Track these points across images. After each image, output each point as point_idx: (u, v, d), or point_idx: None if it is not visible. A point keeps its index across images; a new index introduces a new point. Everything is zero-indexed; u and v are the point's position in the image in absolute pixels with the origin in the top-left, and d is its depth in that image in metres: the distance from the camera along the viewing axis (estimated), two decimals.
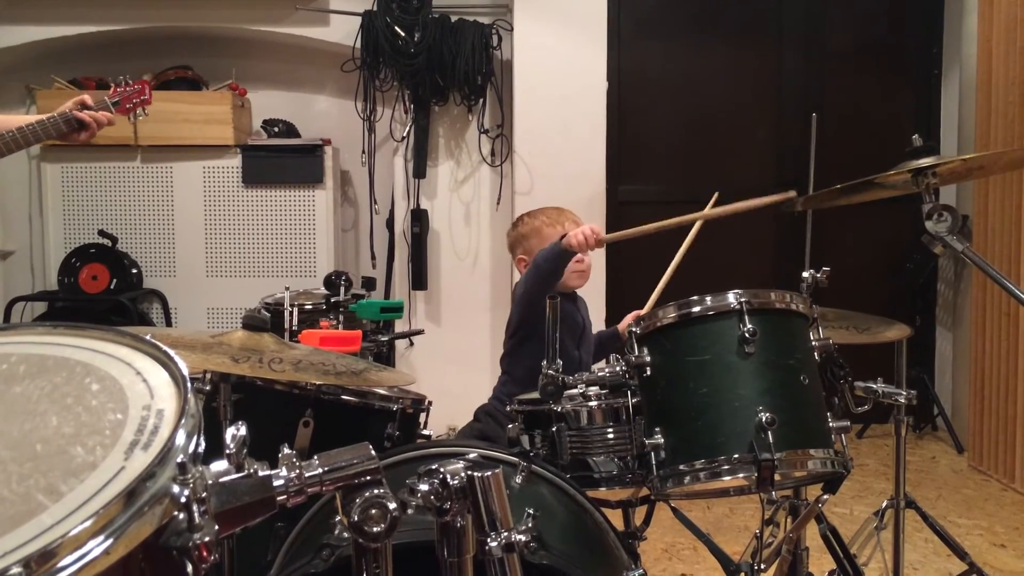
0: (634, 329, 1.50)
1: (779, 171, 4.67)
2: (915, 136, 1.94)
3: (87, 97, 2.58)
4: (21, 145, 2.47)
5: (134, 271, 4.33)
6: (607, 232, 2.07)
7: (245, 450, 0.73)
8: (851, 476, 1.51)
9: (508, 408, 1.60)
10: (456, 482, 0.89)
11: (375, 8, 4.12)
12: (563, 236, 2.05)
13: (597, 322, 2.47)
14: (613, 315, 3.94)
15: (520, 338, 2.25)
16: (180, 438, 0.64)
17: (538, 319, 2.14)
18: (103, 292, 4.24)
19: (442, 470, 0.89)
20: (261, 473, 0.73)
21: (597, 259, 4.09)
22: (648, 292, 2.37)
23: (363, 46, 4.16)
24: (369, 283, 3.08)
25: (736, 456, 1.36)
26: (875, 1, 4.71)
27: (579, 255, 2.25)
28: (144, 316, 4.34)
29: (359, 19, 4.15)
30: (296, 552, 1.33)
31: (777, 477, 1.37)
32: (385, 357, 2.81)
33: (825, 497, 1.57)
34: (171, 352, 0.76)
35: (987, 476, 3.90)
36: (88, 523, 0.55)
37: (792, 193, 2.09)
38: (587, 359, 2.28)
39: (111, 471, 0.61)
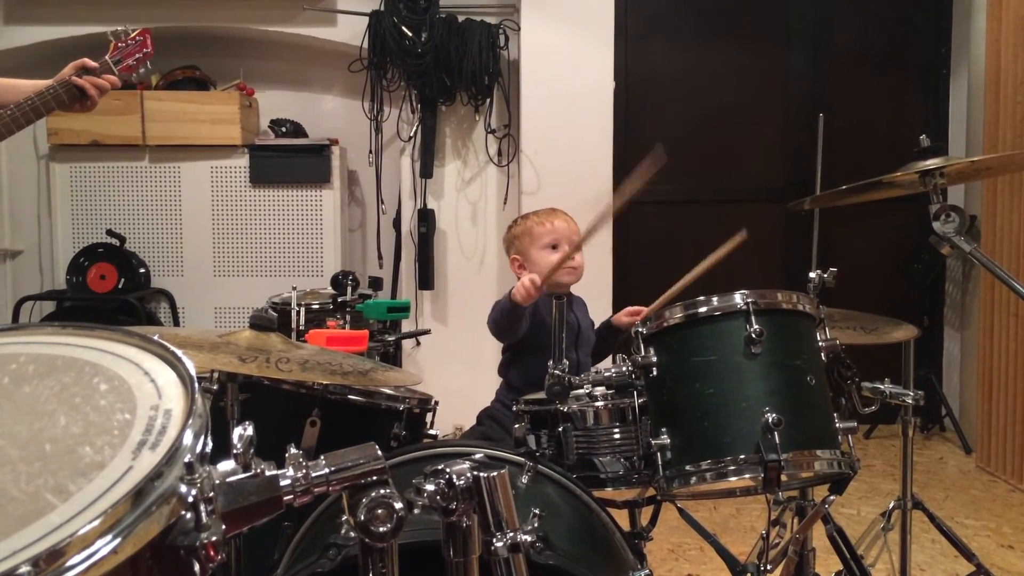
0: (640, 329, 1.50)
1: (786, 171, 4.66)
2: (923, 136, 1.93)
3: (88, 60, 2.41)
4: (22, 124, 2.31)
5: (142, 270, 4.34)
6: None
7: (252, 450, 0.73)
8: (858, 477, 1.51)
9: (514, 408, 1.60)
10: (462, 482, 0.89)
11: (382, 8, 4.12)
12: (510, 291, 2.09)
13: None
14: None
15: (513, 355, 2.31)
16: (187, 438, 0.64)
17: (525, 342, 2.18)
18: (111, 291, 4.26)
19: (448, 470, 0.89)
20: (268, 473, 0.73)
21: (604, 261, 4.11)
22: (654, 292, 2.36)
23: (370, 46, 4.17)
24: (376, 283, 3.08)
25: (742, 457, 1.36)
26: (883, 1, 4.70)
27: (573, 255, 2.27)
28: (152, 315, 4.35)
29: (366, 19, 4.15)
30: (303, 551, 1.33)
31: (783, 478, 1.37)
32: (392, 357, 2.81)
33: (832, 498, 1.57)
34: (179, 352, 0.77)
35: (995, 477, 3.89)
36: (96, 522, 0.55)
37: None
38: (584, 360, 2.29)
39: (119, 471, 0.61)
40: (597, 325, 2.40)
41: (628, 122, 4.48)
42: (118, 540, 0.56)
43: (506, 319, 2.13)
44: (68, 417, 0.69)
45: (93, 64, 2.41)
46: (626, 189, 1.92)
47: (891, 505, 2.39)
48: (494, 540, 0.91)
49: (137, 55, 2.57)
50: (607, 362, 2.24)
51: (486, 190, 4.42)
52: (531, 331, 2.17)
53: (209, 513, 0.64)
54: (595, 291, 2.24)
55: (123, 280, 4.28)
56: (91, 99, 2.39)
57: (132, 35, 2.56)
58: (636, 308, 2.29)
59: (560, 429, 1.49)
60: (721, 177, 4.67)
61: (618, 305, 4.06)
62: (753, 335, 1.40)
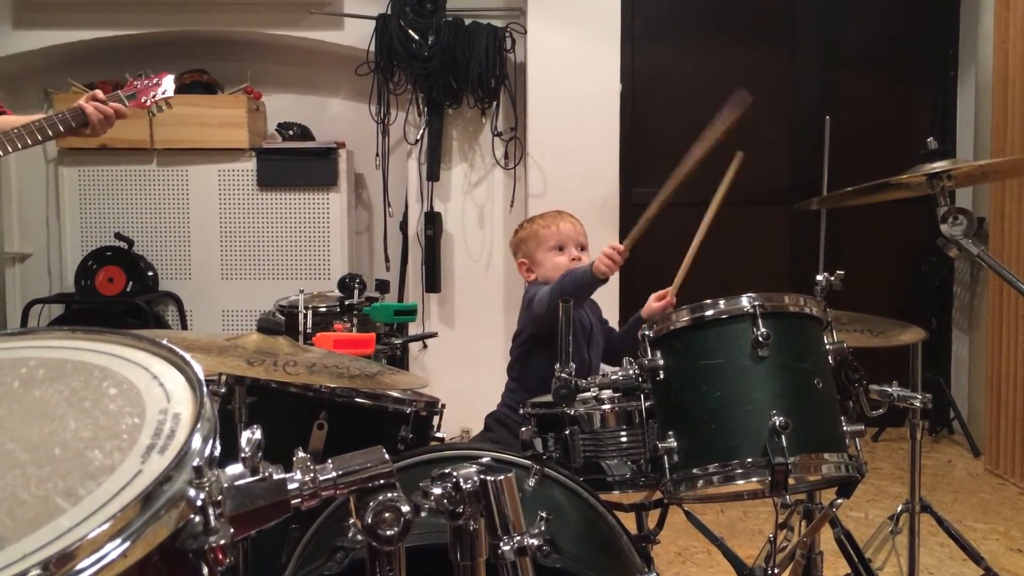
0: (647, 333, 1.50)
1: (793, 173, 4.65)
2: (930, 139, 1.93)
3: (99, 92, 2.53)
4: (27, 142, 2.40)
5: (150, 274, 4.36)
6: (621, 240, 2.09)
7: (260, 453, 0.73)
8: (866, 480, 1.50)
9: (521, 411, 1.60)
10: (469, 485, 0.89)
11: (389, 11, 4.13)
12: (592, 264, 2.06)
13: (611, 322, 2.47)
14: (626, 316, 3.92)
15: (529, 347, 2.27)
16: (196, 442, 0.65)
17: (550, 332, 2.16)
18: (119, 295, 4.27)
19: (455, 473, 0.90)
20: (276, 476, 0.74)
21: None
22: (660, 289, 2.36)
23: (377, 49, 4.18)
24: (383, 286, 3.09)
25: (749, 460, 1.36)
26: (890, 2, 4.69)
27: (577, 254, 2.28)
28: (160, 318, 4.36)
29: (373, 23, 4.16)
30: (310, 554, 1.34)
31: (791, 481, 1.37)
32: (399, 360, 2.82)
33: (839, 501, 1.57)
34: (187, 356, 0.77)
35: (1004, 480, 3.87)
36: (106, 526, 0.55)
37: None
38: (596, 361, 2.29)
39: (128, 474, 0.62)
40: (620, 325, 2.40)
41: (635, 125, 4.48)
42: (127, 544, 0.56)
43: (581, 291, 2.09)
44: (78, 421, 0.69)
45: (103, 97, 2.51)
46: (708, 136, 1.93)
47: (899, 508, 2.38)
48: (501, 543, 0.92)
49: (152, 92, 2.67)
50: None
51: (493, 193, 4.43)
52: (548, 328, 2.17)
53: (217, 516, 0.64)
54: (602, 293, 2.23)
55: (131, 283, 4.29)
56: (92, 125, 2.47)
57: (152, 76, 2.68)
58: (662, 292, 2.29)
59: (567, 432, 1.49)
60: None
61: (624, 307, 4.07)
62: (760, 338, 1.40)
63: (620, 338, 2.40)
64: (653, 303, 2.28)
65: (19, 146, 2.39)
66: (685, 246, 2.25)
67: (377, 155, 4.40)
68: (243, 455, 0.72)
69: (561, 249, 2.30)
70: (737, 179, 2.19)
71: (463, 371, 4.24)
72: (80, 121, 2.46)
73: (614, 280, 4.00)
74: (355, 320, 2.69)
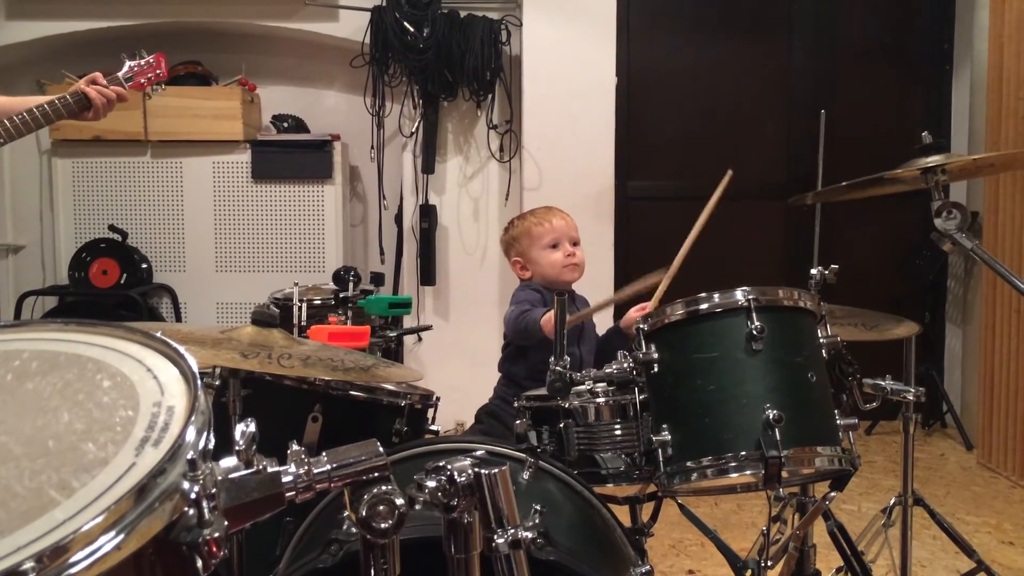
0: (642, 326, 1.50)
1: (788, 167, 4.66)
2: (924, 133, 1.93)
3: (98, 75, 2.51)
4: (32, 128, 2.39)
5: (144, 266, 4.35)
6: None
7: (254, 446, 0.73)
8: (859, 473, 1.51)
9: (515, 404, 1.60)
10: (463, 479, 0.89)
11: (384, 3, 4.12)
12: (543, 315, 2.10)
13: (605, 321, 2.46)
14: (621, 314, 3.91)
15: (512, 352, 2.29)
16: (190, 435, 0.65)
17: (526, 344, 2.19)
18: (113, 287, 4.26)
19: (449, 467, 0.90)
20: (270, 469, 0.74)
21: (605, 258, 4.11)
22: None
23: (372, 41, 4.17)
24: (378, 279, 3.08)
25: (743, 453, 1.36)
26: None
27: (571, 250, 2.29)
28: (154, 311, 4.36)
29: (368, 14, 4.15)
30: (304, 547, 1.34)
31: (784, 474, 1.37)
32: (393, 353, 2.82)
33: (832, 494, 1.57)
34: (181, 349, 0.77)
35: (996, 473, 3.89)
36: (99, 519, 0.55)
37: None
38: (588, 357, 2.29)
39: (122, 467, 0.62)
40: (603, 332, 2.40)
41: (630, 118, 4.48)
42: (121, 536, 0.56)
43: (526, 338, 2.16)
44: (71, 414, 0.69)
45: (103, 80, 2.51)
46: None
47: (892, 501, 2.39)
48: (495, 536, 0.92)
49: (149, 75, 2.68)
50: None
51: (488, 186, 4.42)
52: (532, 346, 2.20)
53: (211, 509, 0.64)
54: (597, 289, 2.23)
55: (125, 275, 4.28)
56: (96, 108, 2.46)
57: (147, 57, 2.68)
58: (643, 305, 2.28)
59: (561, 425, 1.49)
60: (723, 173, 4.66)
61: (619, 311, 4.07)
62: (754, 332, 1.40)
63: (599, 345, 2.40)
64: (633, 314, 2.28)
65: (24, 132, 2.38)
66: (674, 250, 2.23)
67: (372, 148, 4.39)
68: (237, 448, 0.72)
69: (555, 246, 2.30)
70: (727, 192, 2.17)
71: (458, 364, 4.24)
72: (83, 105, 2.45)
73: (608, 280, 4.04)
74: (350, 313, 2.69)
